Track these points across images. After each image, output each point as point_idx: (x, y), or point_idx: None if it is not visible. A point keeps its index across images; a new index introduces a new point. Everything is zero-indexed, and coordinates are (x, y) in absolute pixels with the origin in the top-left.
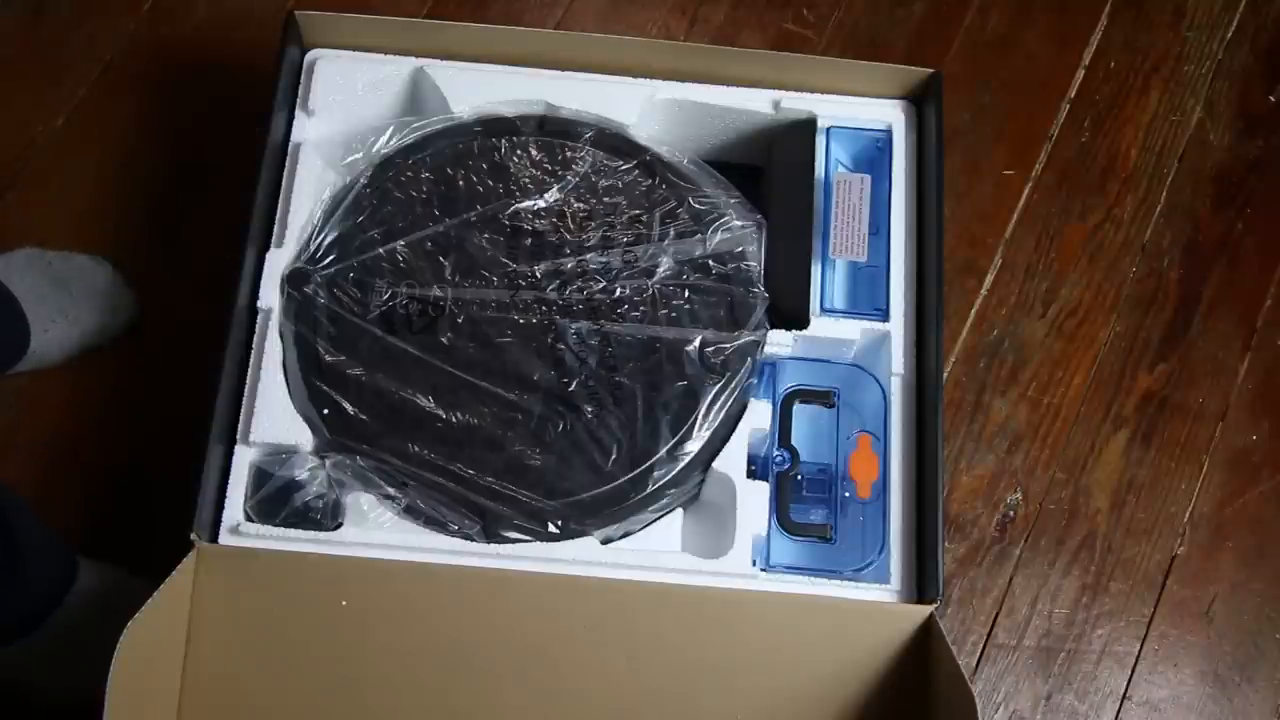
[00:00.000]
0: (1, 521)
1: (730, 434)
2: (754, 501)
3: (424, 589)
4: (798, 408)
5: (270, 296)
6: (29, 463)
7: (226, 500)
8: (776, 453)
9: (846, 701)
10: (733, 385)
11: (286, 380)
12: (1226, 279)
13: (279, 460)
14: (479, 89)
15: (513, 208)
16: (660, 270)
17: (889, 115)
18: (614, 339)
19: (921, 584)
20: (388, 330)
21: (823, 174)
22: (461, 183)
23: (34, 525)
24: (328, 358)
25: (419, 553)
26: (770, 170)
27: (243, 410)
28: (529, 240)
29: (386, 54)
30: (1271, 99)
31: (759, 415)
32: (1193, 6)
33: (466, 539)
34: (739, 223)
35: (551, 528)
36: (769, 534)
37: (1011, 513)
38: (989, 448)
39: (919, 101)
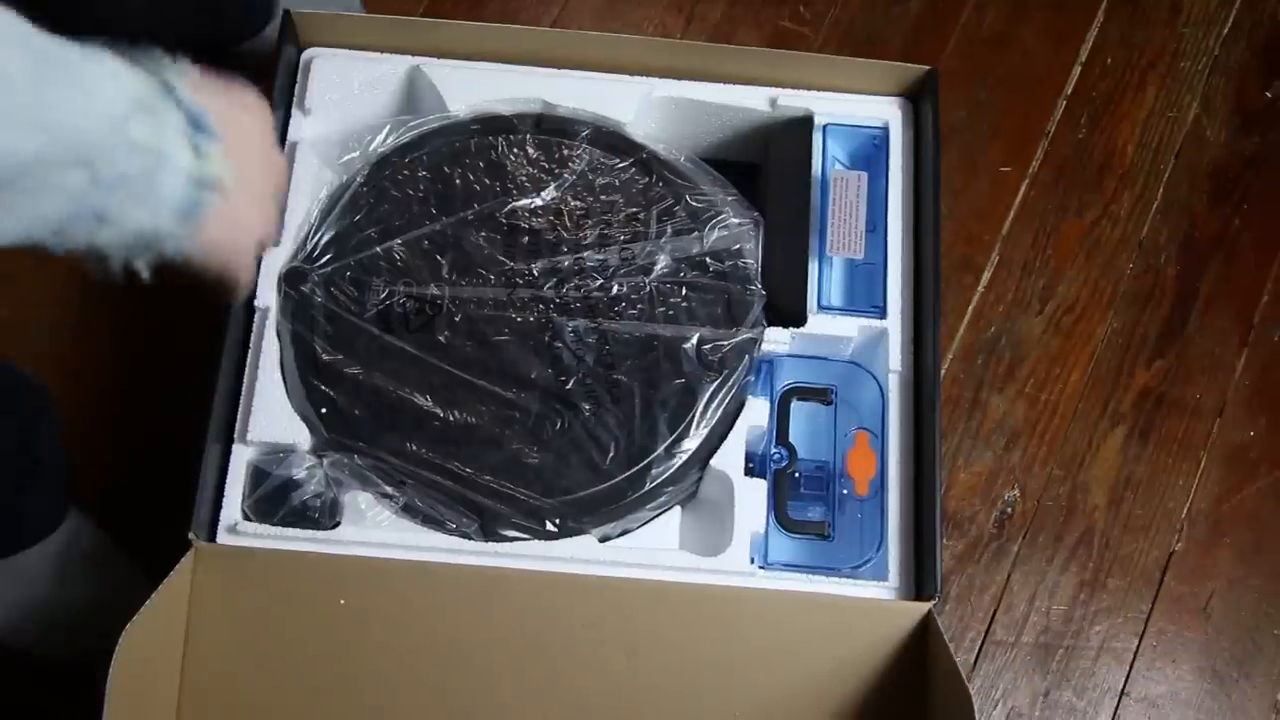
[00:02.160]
0: (30, 431)
1: (728, 431)
2: (752, 499)
3: (422, 587)
4: (795, 405)
5: (267, 295)
6: None
7: (224, 499)
8: (774, 450)
9: (845, 698)
10: (730, 383)
11: (284, 379)
12: (1223, 275)
13: (276, 459)
14: (475, 87)
15: (510, 206)
16: (657, 268)
17: (886, 112)
18: (611, 337)
19: (919, 581)
20: (385, 329)
21: (820, 171)
22: (458, 181)
23: (56, 449)
24: (325, 356)
25: (417, 551)
26: (767, 168)
27: (240, 409)
28: (526, 238)
29: (383, 52)
30: (1268, 95)
31: (756, 413)
32: (1189, 2)
33: (464, 537)
34: (736, 220)
35: (549, 526)
36: (767, 531)
37: (1009, 509)
38: (986, 445)
39: (916, 99)
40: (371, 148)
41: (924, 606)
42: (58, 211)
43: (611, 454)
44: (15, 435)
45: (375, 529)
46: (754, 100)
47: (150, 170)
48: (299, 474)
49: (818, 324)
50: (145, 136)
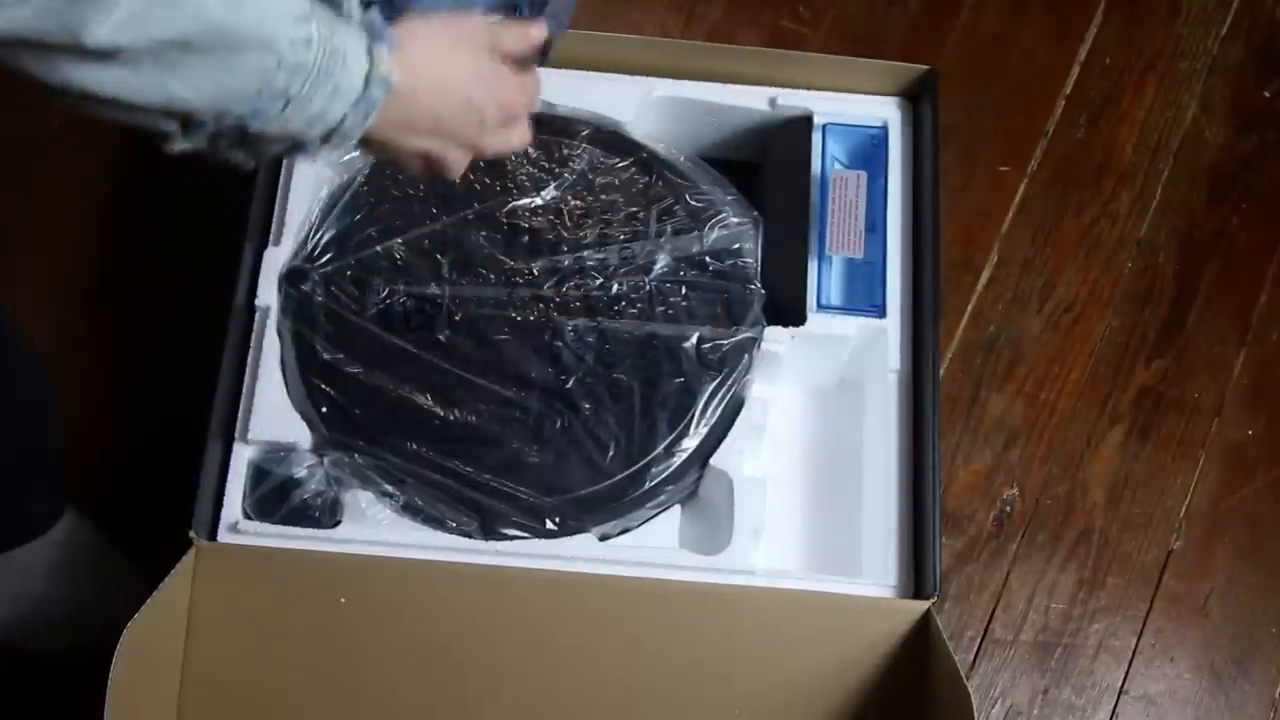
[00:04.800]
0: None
1: (727, 430)
2: (750, 498)
3: (422, 586)
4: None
5: (268, 295)
6: None
7: (225, 498)
8: None
9: (844, 696)
10: (729, 381)
11: (285, 378)
12: (1222, 274)
13: (277, 458)
14: None
15: (510, 205)
16: (657, 267)
17: (885, 112)
18: (611, 336)
19: (919, 579)
20: (385, 328)
21: (819, 171)
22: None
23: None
24: (325, 356)
25: (417, 550)
26: (767, 167)
27: (241, 408)
28: (526, 238)
29: None
30: (1266, 94)
31: (754, 412)
32: (1187, 2)
33: (465, 536)
34: (736, 219)
35: (549, 524)
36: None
37: (1008, 508)
38: (985, 443)
39: (915, 98)
40: None
41: (923, 605)
42: (248, 86)
43: (611, 453)
44: (22, 423)
45: (376, 527)
46: (753, 100)
47: (328, 63)
48: (300, 473)
49: (817, 323)
50: (323, 33)
